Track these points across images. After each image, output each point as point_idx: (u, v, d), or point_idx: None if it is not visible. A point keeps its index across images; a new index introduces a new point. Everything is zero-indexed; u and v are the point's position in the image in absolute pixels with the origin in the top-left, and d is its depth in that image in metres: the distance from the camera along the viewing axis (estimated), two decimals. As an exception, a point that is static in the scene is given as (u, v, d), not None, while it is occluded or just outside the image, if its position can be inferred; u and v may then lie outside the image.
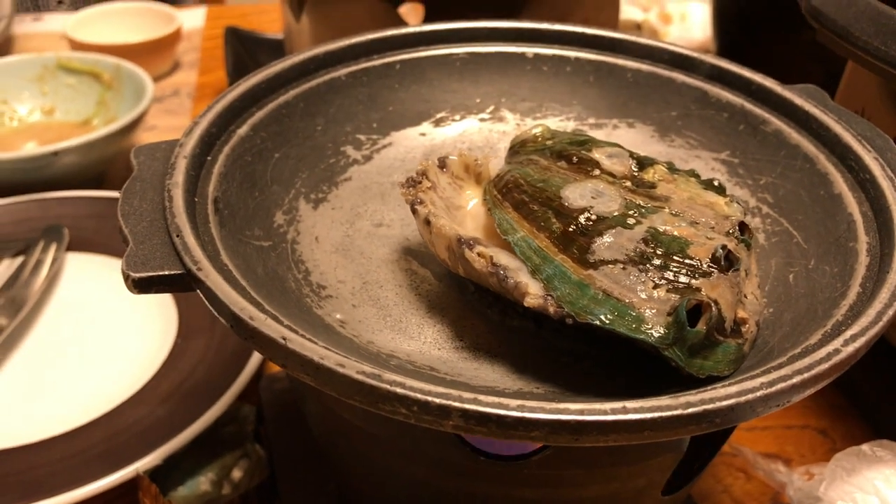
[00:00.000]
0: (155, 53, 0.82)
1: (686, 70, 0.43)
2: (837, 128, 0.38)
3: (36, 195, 0.61)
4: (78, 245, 0.59)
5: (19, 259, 0.56)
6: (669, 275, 0.29)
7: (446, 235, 0.31)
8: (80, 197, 0.62)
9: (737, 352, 0.29)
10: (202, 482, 0.45)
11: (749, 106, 0.41)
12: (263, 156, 0.37)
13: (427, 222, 0.32)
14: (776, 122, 0.40)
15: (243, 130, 0.37)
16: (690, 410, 0.24)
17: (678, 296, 0.28)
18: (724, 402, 0.25)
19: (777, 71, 0.42)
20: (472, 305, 0.34)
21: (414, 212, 0.33)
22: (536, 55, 0.44)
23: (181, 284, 0.29)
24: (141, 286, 0.29)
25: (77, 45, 0.81)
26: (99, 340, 0.53)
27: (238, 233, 0.33)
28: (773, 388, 0.25)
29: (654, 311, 0.28)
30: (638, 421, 0.24)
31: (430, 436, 0.30)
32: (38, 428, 0.46)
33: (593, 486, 0.31)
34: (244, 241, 0.33)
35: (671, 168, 0.35)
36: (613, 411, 0.24)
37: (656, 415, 0.24)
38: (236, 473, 0.46)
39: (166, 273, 0.29)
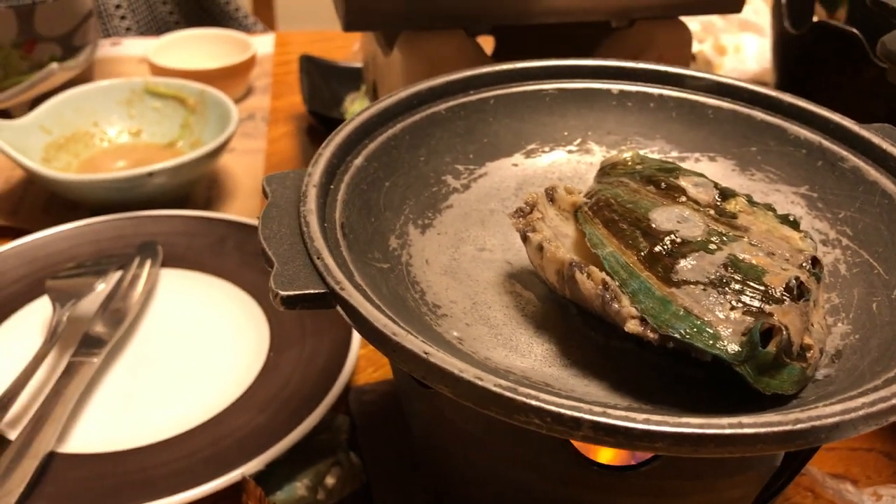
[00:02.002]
0: (231, 78, 0.86)
1: (764, 108, 0.45)
2: (915, 166, 0.40)
3: (130, 213, 0.65)
4: (171, 261, 0.62)
5: (118, 273, 0.60)
6: (745, 299, 0.32)
7: (560, 259, 0.34)
8: (171, 215, 0.65)
9: (801, 374, 0.32)
10: (298, 487, 0.48)
11: (827, 143, 0.43)
12: (376, 184, 0.41)
13: (540, 248, 0.35)
14: (854, 160, 0.42)
15: (359, 161, 0.40)
16: (799, 426, 0.27)
17: (752, 318, 0.31)
18: (830, 420, 0.27)
19: (839, 106, 0.45)
20: (575, 326, 0.36)
21: (525, 238, 0.36)
22: (621, 91, 0.47)
23: (324, 302, 0.32)
24: (288, 303, 0.32)
25: (158, 70, 0.85)
26: (195, 352, 0.56)
27: (362, 255, 0.36)
28: (875, 409, 0.27)
29: (729, 330, 0.31)
30: (752, 435, 0.26)
31: (544, 445, 0.33)
32: (145, 433, 0.49)
33: (693, 496, 0.34)
34: (368, 262, 0.36)
35: (750, 201, 0.38)
36: (731, 426, 0.26)
37: (769, 429, 0.27)
38: (330, 480, 0.49)
39: (311, 292, 0.32)
